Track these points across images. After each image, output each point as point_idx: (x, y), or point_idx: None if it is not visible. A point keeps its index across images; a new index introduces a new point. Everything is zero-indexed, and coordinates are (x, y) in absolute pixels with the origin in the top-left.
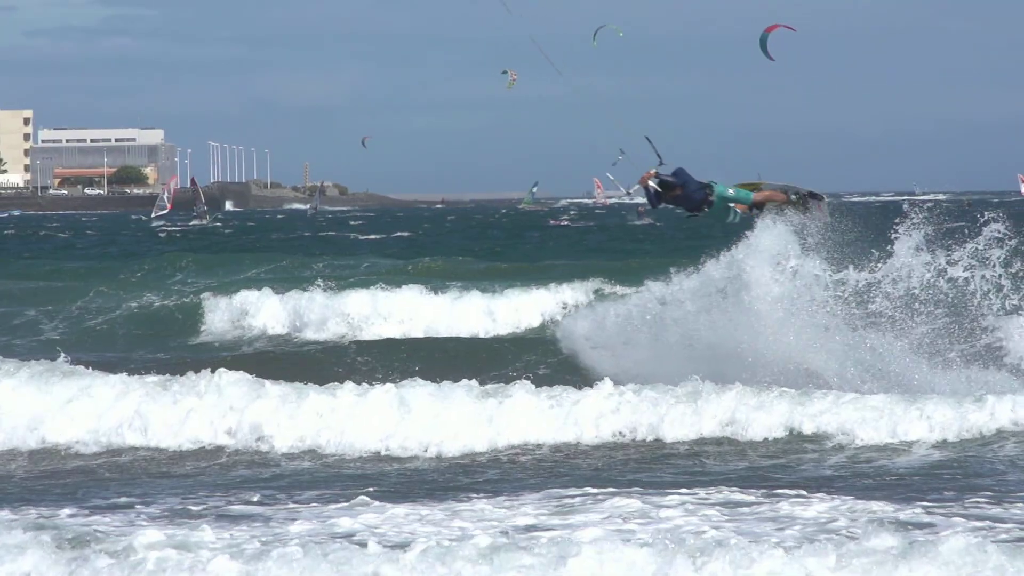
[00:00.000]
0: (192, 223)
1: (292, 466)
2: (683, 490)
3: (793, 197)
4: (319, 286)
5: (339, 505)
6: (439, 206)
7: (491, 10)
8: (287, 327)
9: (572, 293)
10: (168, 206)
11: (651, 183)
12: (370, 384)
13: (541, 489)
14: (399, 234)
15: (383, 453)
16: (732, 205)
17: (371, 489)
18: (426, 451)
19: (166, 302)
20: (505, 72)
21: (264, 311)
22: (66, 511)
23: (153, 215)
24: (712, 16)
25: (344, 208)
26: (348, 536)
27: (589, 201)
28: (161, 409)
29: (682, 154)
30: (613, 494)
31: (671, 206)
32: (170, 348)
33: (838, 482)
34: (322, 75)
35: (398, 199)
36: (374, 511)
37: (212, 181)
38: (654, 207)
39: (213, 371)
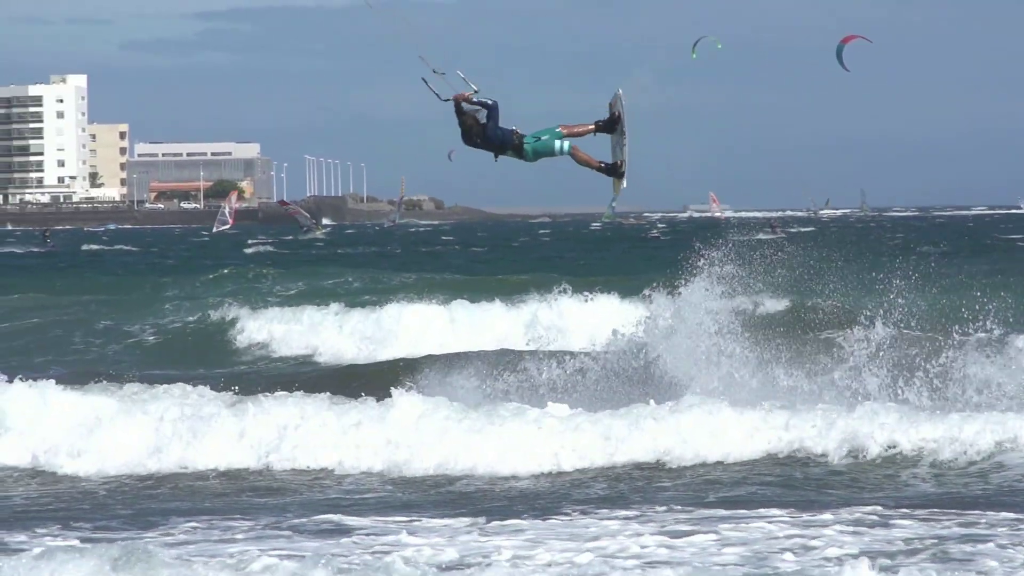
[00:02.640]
0: (306, 236)
1: None
2: None
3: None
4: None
5: None
6: (542, 219)
7: (580, 24)
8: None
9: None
10: (230, 221)
11: (466, 105)
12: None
13: None
14: (476, 249)
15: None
16: (557, 146)
17: None
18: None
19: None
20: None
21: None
22: None
23: (214, 230)
24: (788, 26)
25: (433, 222)
26: None
27: (685, 215)
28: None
29: (771, 164)
30: None
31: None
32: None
33: None
34: (418, 88)
35: (493, 212)
36: None
37: (308, 195)
38: (466, 142)
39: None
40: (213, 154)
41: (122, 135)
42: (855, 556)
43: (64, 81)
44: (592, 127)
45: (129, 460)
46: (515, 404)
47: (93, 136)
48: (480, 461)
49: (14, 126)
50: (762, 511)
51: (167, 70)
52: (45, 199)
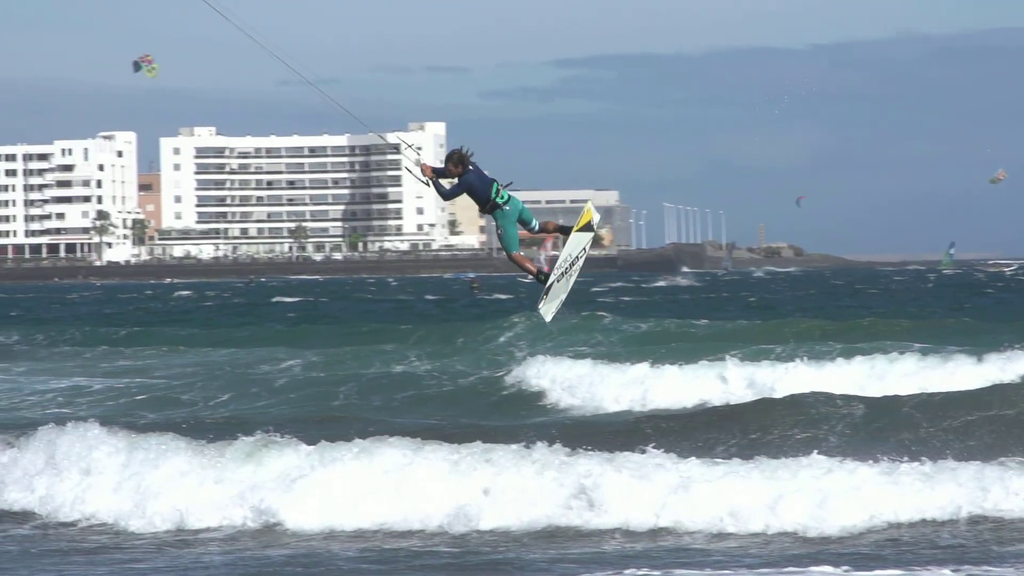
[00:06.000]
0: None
1: None
2: None
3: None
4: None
5: None
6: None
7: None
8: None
9: None
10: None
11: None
12: None
13: None
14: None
15: None
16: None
17: None
18: None
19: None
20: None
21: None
22: None
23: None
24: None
25: (789, 269)
26: None
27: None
28: None
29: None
30: None
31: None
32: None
33: None
34: (777, 135)
35: (854, 260)
36: None
37: (667, 242)
38: (446, 199)
39: None
40: (572, 201)
41: None
42: None
43: (423, 128)
44: (535, 269)
45: None
46: None
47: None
48: None
49: (373, 174)
50: None
51: (526, 118)
52: (404, 247)
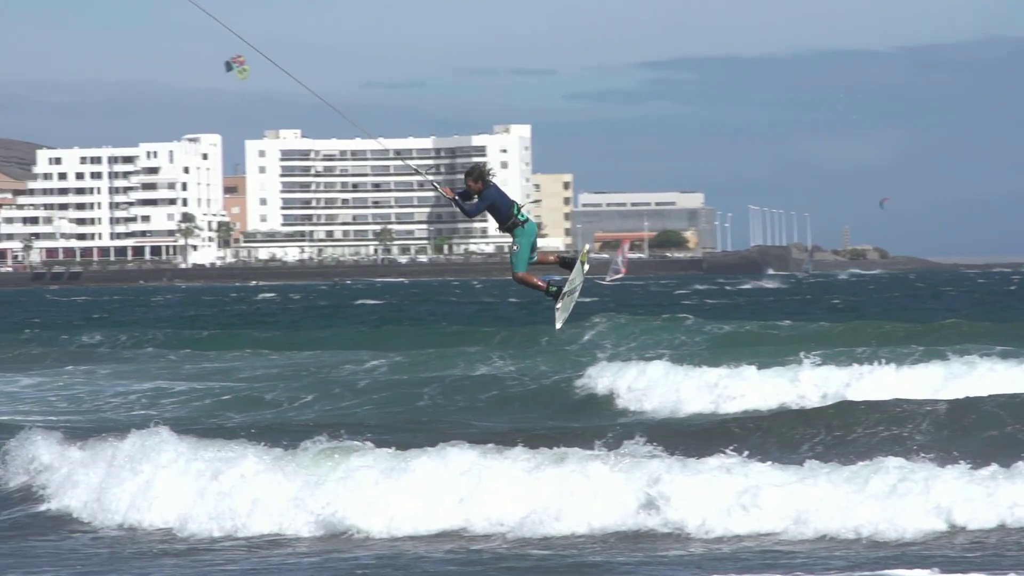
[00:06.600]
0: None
1: None
2: None
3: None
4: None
5: None
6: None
7: None
8: None
9: None
10: (622, 270)
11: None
12: None
13: None
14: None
15: None
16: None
17: None
18: None
19: None
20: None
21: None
22: None
23: (607, 280)
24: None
25: (874, 271)
26: None
27: None
28: None
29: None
30: None
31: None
32: None
33: None
34: (861, 136)
35: (939, 262)
36: None
37: (752, 245)
38: (471, 215)
39: None
40: (657, 204)
41: (566, 185)
42: None
43: (508, 131)
44: (544, 286)
45: None
46: None
47: (537, 186)
48: None
49: (458, 176)
50: None
51: (611, 120)
52: (489, 249)
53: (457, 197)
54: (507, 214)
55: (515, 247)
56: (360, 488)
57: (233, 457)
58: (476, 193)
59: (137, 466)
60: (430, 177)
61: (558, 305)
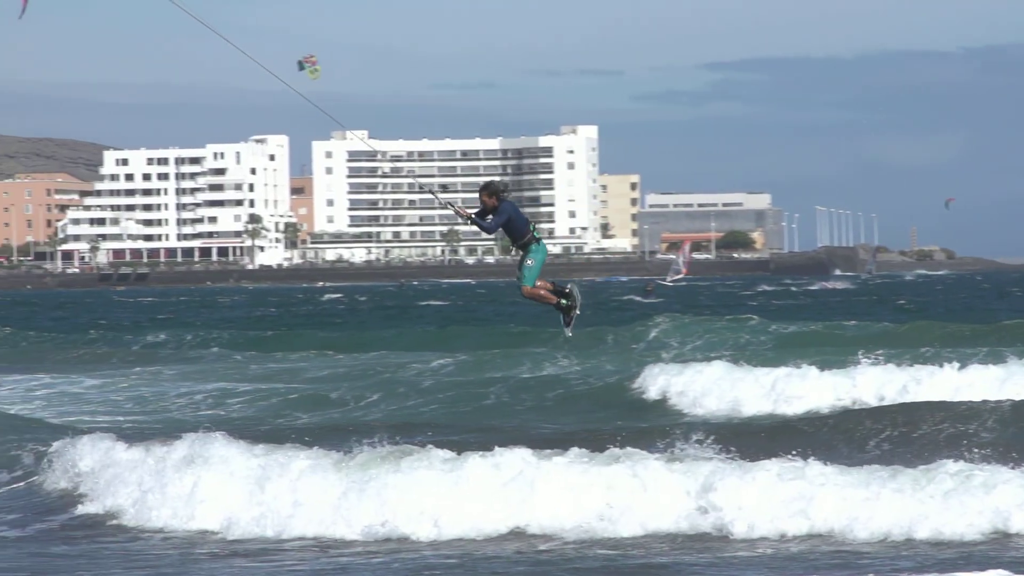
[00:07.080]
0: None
1: None
2: None
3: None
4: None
5: None
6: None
7: None
8: None
9: None
10: (683, 271)
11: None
12: None
13: None
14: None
15: None
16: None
17: None
18: None
19: None
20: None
21: None
22: None
23: (668, 280)
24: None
25: (940, 272)
26: None
27: None
28: None
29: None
30: None
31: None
32: None
33: None
34: (928, 137)
35: (1006, 263)
36: None
37: (819, 246)
38: (490, 232)
39: None
40: (724, 205)
41: (633, 186)
42: None
43: (575, 132)
44: (555, 300)
45: None
46: None
47: (604, 187)
48: None
49: (525, 177)
50: None
51: (678, 121)
52: (556, 250)
53: (473, 215)
54: (523, 231)
55: (529, 262)
56: (419, 488)
57: (289, 460)
58: (492, 209)
59: (199, 469)
60: (443, 196)
61: (568, 332)
